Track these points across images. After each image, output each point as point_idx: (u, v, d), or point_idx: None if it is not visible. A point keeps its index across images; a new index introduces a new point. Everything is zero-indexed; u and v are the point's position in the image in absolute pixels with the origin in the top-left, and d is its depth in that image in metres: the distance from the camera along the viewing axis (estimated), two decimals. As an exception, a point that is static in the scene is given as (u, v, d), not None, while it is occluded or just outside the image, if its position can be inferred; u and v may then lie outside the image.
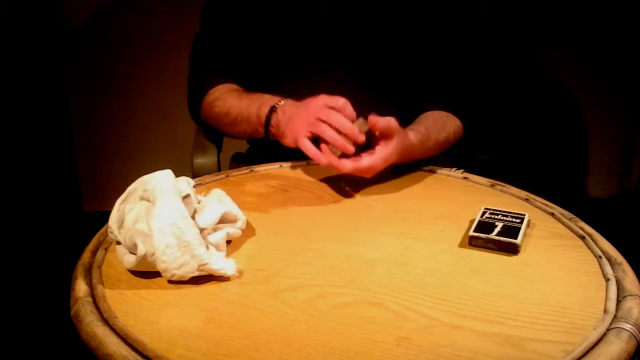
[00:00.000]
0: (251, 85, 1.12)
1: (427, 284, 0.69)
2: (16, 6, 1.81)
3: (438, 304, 0.65)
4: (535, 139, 2.21)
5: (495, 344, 0.58)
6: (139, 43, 2.03)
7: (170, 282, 0.68)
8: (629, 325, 0.59)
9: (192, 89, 1.18)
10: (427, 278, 0.70)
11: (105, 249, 0.75)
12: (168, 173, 0.73)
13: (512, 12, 2.03)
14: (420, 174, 1.01)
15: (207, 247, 0.69)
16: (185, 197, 0.72)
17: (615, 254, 0.74)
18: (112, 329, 0.60)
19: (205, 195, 0.79)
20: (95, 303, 0.64)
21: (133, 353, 0.57)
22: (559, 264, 0.73)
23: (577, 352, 0.56)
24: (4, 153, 1.79)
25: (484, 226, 0.78)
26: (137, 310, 0.64)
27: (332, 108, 0.88)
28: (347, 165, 0.87)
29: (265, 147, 1.04)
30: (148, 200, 0.72)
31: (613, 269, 0.70)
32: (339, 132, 0.86)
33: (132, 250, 0.69)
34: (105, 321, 0.61)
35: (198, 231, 0.69)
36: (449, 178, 1.00)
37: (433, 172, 1.02)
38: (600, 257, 0.73)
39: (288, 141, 0.94)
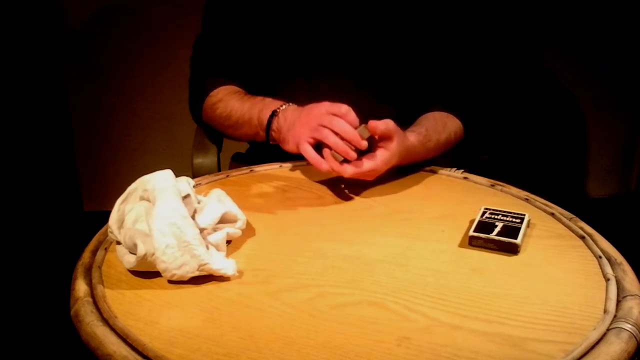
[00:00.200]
0: (252, 86, 1.12)
1: (427, 284, 0.69)
2: (16, 6, 1.81)
3: (438, 304, 0.65)
4: (535, 139, 2.21)
5: (496, 344, 0.58)
6: (139, 43, 2.03)
7: (170, 282, 0.68)
8: (629, 325, 0.59)
9: (193, 90, 1.18)
10: (427, 278, 0.70)
11: (105, 249, 0.75)
12: (168, 173, 0.73)
13: (512, 12, 2.03)
14: (421, 174, 1.01)
15: (207, 247, 0.69)
16: (185, 197, 0.72)
17: (615, 254, 0.74)
18: (112, 329, 0.60)
19: (205, 195, 0.79)
20: (95, 303, 0.64)
21: (133, 353, 0.57)
22: (559, 264, 0.73)
23: (577, 352, 0.56)
24: (3, 153, 1.78)
25: (484, 226, 0.78)
26: (137, 310, 0.64)
27: (335, 114, 0.88)
28: (349, 170, 0.87)
29: (265, 147, 1.04)
30: (148, 200, 0.72)
31: (613, 269, 0.70)
32: (341, 138, 0.87)
33: (132, 250, 0.69)
34: (105, 321, 0.61)
35: (198, 231, 0.69)
36: (449, 178, 1.00)
37: (433, 172, 1.02)
38: (600, 257, 0.73)
39: (289, 146, 0.95)
